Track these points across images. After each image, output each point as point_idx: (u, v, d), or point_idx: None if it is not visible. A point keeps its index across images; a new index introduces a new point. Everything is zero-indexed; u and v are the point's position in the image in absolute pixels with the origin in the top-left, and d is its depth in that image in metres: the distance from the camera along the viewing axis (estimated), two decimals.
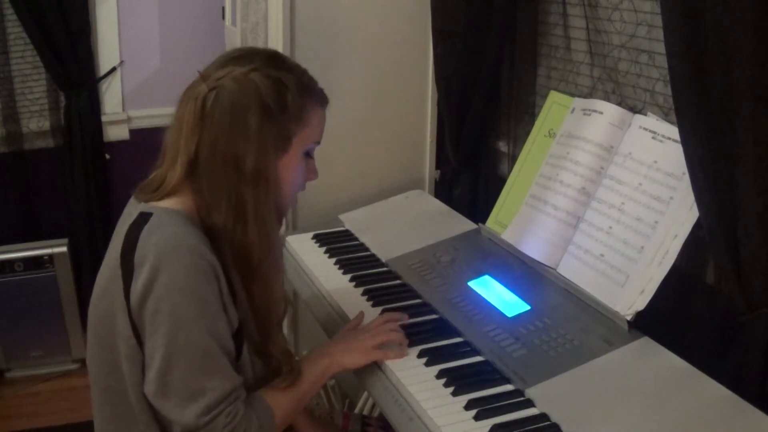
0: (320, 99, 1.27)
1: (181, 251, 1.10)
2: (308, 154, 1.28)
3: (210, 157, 1.15)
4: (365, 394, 2.06)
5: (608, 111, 1.54)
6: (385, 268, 1.73)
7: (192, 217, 1.17)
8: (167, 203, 1.18)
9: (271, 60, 1.21)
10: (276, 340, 1.25)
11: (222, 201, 1.15)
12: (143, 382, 1.13)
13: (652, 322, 1.34)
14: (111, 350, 1.16)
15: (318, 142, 1.29)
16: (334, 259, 1.78)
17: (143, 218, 1.15)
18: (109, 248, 1.20)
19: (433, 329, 1.44)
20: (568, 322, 1.39)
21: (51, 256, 2.76)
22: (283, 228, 2.08)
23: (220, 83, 1.16)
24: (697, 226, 1.30)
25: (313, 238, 1.92)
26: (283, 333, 1.37)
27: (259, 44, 2.14)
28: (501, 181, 1.82)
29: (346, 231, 1.96)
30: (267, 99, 1.16)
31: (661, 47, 1.39)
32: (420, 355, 1.35)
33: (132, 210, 1.20)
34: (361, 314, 1.47)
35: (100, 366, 1.20)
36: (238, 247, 1.16)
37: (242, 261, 1.17)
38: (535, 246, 1.57)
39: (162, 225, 1.13)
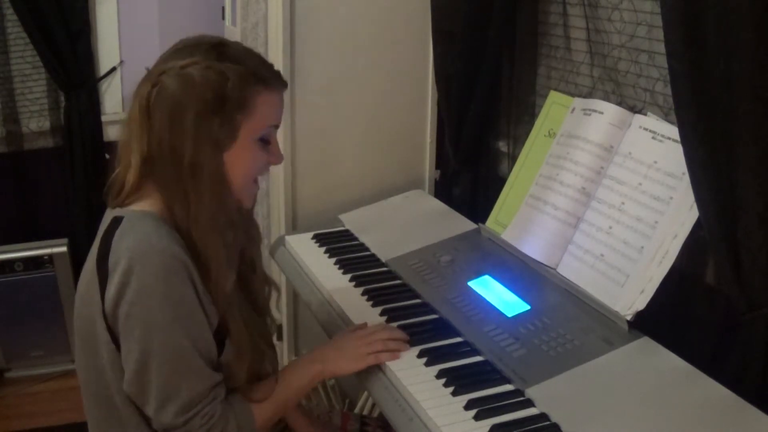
0: (270, 83, 1.22)
1: (151, 254, 1.10)
2: (265, 140, 1.24)
3: (157, 155, 1.15)
4: (365, 394, 2.06)
5: (608, 111, 1.54)
6: (385, 268, 1.73)
7: (164, 216, 1.17)
8: (139, 206, 1.18)
9: (213, 50, 1.17)
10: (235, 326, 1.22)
11: (175, 197, 1.15)
12: (124, 384, 1.14)
13: (652, 322, 1.34)
14: (95, 356, 1.17)
15: (276, 126, 1.25)
16: (334, 259, 1.78)
17: (116, 222, 1.15)
18: (89, 255, 1.20)
19: (433, 329, 1.44)
20: (568, 322, 1.39)
21: (51, 256, 2.76)
22: (281, 226, 2.09)
23: (161, 79, 1.15)
24: (697, 226, 1.30)
25: (313, 238, 1.92)
26: (266, 324, 1.37)
27: (259, 44, 2.14)
28: (501, 181, 1.81)
29: (346, 231, 1.96)
30: (205, 93, 1.13)
31: (661, 47, 1.39)
32: (420, 355, 1.35)
33: (107, 217, 1.21)
34: (364, 324, 1.45)
35: (86, 371, 1.20)
36: (193, 242, 1.15)
37: (197, 256, 1.15)
38: (535, 246, 1.57)
39: (133, 228, 1.13)
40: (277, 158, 1.28)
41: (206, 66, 1.15)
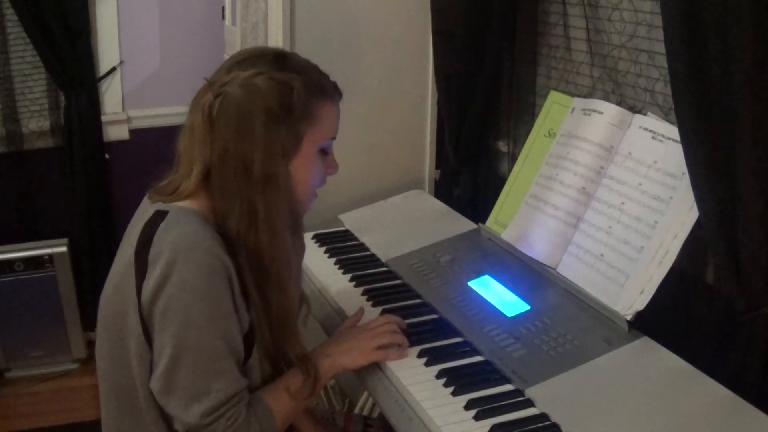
0: (331, 94, 1.25)
1: (196, 250, 1.10)
2: (324, 151, 1.26)
3: (221, 164, 1.16)
4: (365, 394, 2.06)
5: (608, 111, 1.54)
6: (385, 268, 1.73)
7: (208, 217, 1.17)
8: (184, 203, 1.18)
9: (276, 61, 1.20)
10: (293, 344, 1.25)
11: (234, 207, 1.16)
12: (151, 380, 1.14)
13: (652, 322, 1.34)
14: (121, 347, 1.16)
15: (333, 137, 1.27)
16: (334, 259, 1.78)
17: (160, 215, 1.15)
18: (122, 245, 1.20)
19: (433, 329, 1.44)
20: (568, 322, 1.39)
21: (51, 256, 2.76)
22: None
23: (225, 90, 1.16)
24: (697, 226, 1.30)
25: (313, 238, 1.92)
26: (301, 336, 1.37)
27: (259, 44, 2.14)
28: (501, 181, 1.81)
29: (346, 231, 1.96)
30: (271, 102, 1.15)
31: (661, 47, 1.39)
32: (420, 355, 1.35)
33: (147, 209, 1.20)
34: (361, 310, 1.47)
35: (109, 361, 1.20)
36: (252, 251, 1.16)
37: (256, 265, 1.17)
38: (535, 246, 1.57)
39: (179, 223, 1.14)
40: (334, 168, 1.30)
41: (271, 76, 1.16)
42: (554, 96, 1.71)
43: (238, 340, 1.16)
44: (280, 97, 1.16)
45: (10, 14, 2.63)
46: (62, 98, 2.76)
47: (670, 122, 1.43)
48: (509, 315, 1.44)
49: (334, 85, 1.27)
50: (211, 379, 1.12)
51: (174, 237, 1.11)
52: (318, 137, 1.23)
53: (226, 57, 2.64)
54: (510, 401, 1.21)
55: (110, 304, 1.18)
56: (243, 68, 1.18)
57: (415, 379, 1.28)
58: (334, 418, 1.61)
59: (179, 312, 1.09)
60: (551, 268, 1.53)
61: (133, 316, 1.13)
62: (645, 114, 1.50)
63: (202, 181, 1.18)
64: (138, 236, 1.15)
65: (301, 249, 1.36)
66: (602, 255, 1.44)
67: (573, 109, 1.63)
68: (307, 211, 1.32)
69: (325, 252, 1.83)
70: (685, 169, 1.28)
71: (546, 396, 1.21)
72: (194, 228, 1.13)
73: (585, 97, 1.68)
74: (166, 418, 1.16)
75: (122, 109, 2.87)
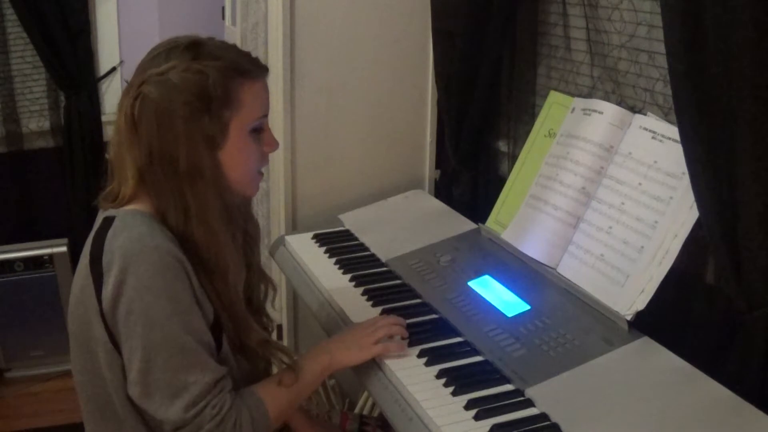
0: (252, 73, 1.21)
1: (146, 252, 1.10)
2: (257, 130, 1.24)
3: (149, 165, 1.15)
4: (365, 393, 2.06)
5: (608, 111, 1.54)
6: (385, 268, 1.73)
7: (156, 216, 1.17)
8: (131, 206, 1.18)
9: (188, 51, 1.17)
10: (249, 332, 1.24)
11: (169, 205, 1.16)
12: (125, 386, 1.14)
13: (652, 322, 1.34)
14: (91, 356, 1.16)
15: (264, 115, 1.25)
16: (334, 259, 1.78)
17: (107, 222, 1.16)
18: (81, 256, 1.19)
19: (433, 329, 1.44)
20: (568, 322, 1.39)
21: (51, 256, 2.76)
22: (281, 226, 2.09)
23: (142, 90, 1.15)
24: (697, 226, 1.30)
25: (313, 238, 1.92)
26: (262, 322, 1.37)
27: (259, 44, 2.14)
28: (501, 181, 1.81)
29: (346, 231, 1.96)
30: (188, 96, 1.14)
31: (661, 47, 1.39)
32: (420, 355, 1.35)
33: (98, 218, 1.21)
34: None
35: (83, 372, 1.20)
36: (192, 245, 1.16)
37: (198, 258, 1.17)
38: (535, 246, 1.57)
39: (126, 227, 1.14)
40: (271, 145, 1.27)
41: (184, 68, 1.15)
42: (554, 96, 1.71)
43: (205, 332, 1.16)
44: (196, 88, 1.14)
45: (10, 14, 2.63)
46: (62, 98, 2.76)
47: (670, 122, 1.43)
48: (509, 315, 1.44)
49: (256, 62, 1.23)
50: (186, 373, 1.11)
51: (122, 242, 1.11)
52: (245, 120, 1.20)
53: None
54: (510, 401, 1.21)
55: (75, 317, 1.18)
56: (157, 64, 1.17)
57: (415, 379, 1.28)
58: (330, 416, 1.61)
59: (141, 314, 1.09)
60: (551, 268, 1.53)
61: (98, 325, 1.13)
62: (645, 114, 1.50)
63: (138, 183, 1.17)
64: (90, 246, 1.15)
65: (255, 233, 1.36)
66: (602, 255, 1.44)
67: (573, 109, 1.63)
68: (256, 193, 1.32)
69: (325, 252, 1.83)
70: (685, 169, 1.28)
71: (546, 396, 1.21)
72: (140, 230, 1.13)
73: (585, 97, 1.68)
74: (146, 423, 1.17)
75: None
